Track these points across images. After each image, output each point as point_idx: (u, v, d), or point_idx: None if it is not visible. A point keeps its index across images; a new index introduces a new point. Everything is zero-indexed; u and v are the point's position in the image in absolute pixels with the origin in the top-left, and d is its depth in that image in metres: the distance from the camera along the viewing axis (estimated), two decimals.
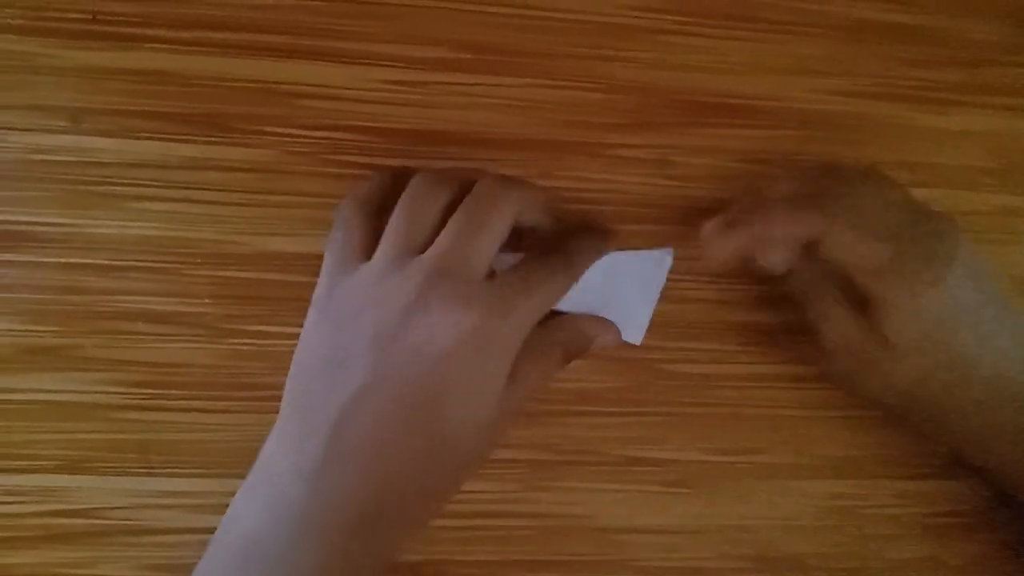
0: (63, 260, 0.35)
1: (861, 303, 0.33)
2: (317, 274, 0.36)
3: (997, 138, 0.42)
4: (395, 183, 0.32)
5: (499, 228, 0.30)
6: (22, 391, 0.35)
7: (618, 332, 0.34)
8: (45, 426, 0.34)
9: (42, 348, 0.35)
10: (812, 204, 0.32)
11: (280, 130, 0.37)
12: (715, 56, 0.41)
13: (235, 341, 0.36)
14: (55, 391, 0.35)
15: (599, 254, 0.33)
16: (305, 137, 0.37)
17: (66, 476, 0.34)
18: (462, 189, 0.31)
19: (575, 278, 0.32)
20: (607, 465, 0.38)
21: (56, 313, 0.35)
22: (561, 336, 0.33)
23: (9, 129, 0.36)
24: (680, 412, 0.38)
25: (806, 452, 0.39)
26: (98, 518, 0.34)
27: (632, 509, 0.37)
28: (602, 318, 0.34)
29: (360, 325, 0.29)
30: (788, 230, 0.32)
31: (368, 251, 0.31)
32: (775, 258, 0.33)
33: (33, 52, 0.36)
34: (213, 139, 0.37)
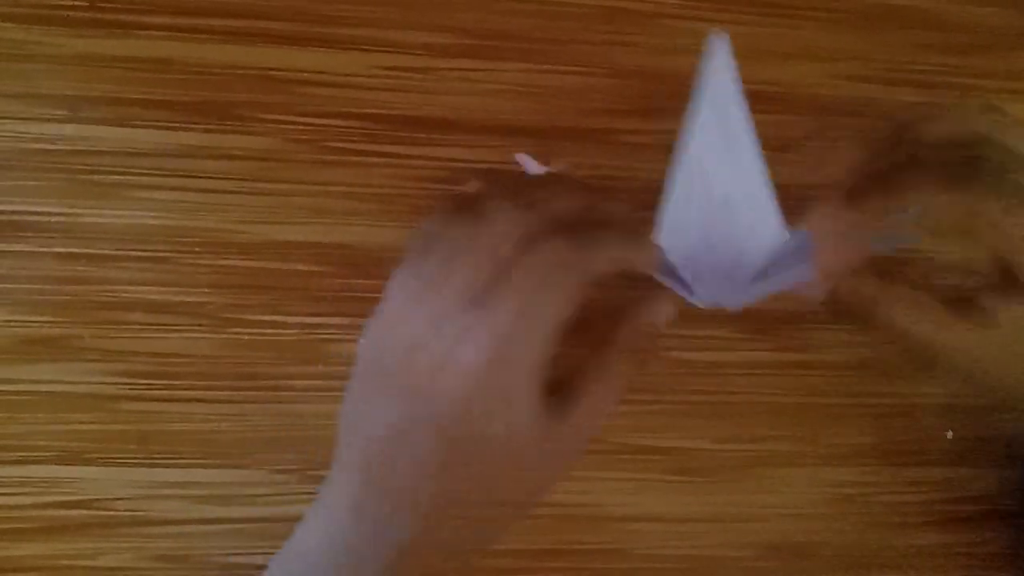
0: (61, 250, 0.35)
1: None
2: (319, 262, 0.36)
3: None
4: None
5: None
6: (21, 382, 0.34)
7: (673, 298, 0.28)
8: (45, 417, 0.34)
9: (41, 339, 0.35)
10: (965, 169, 0.24)
11: (280, 117, 0.37)
12: None
13: (236, 330, 0.36)
14: (54, 382, 0.34)
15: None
16: (306, 124, 0.37)
17: (67, 467, 0.34)
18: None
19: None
20: (612, 453, 0.37)
21: (55, 303, 0.35)
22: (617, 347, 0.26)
23: (6, 118, 0.35)
24: (686, 400, 0.38)
25: (812, 440, 0.39)
26: (100, 509, 0.34)
27: (637, 497, 0.37)
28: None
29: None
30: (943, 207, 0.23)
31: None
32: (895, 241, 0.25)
33: (30, 40, 0.36)
34: (212, 127, 0.36)
